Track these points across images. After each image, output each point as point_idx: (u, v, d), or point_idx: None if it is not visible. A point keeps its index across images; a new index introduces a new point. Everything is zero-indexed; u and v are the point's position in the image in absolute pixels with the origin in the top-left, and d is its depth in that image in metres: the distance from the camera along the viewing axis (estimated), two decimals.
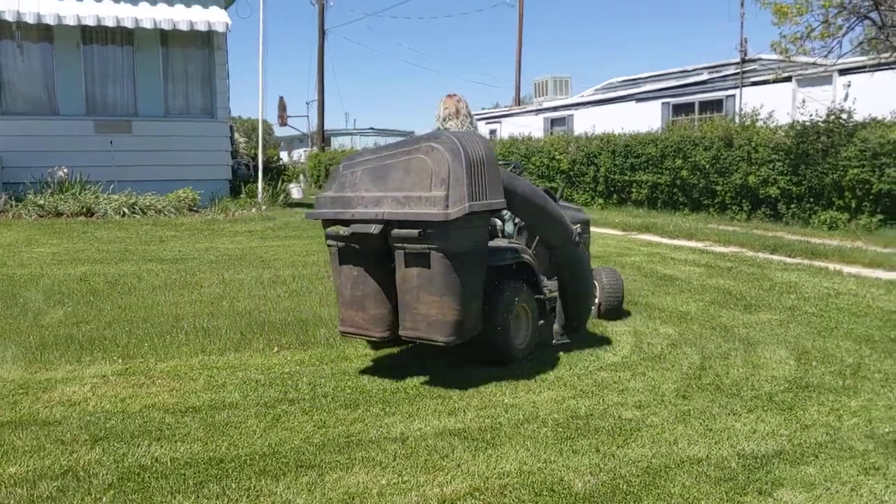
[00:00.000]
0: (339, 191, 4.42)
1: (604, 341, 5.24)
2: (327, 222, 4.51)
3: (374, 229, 4.21)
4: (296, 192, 18.28)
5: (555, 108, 25.29)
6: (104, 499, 2.91)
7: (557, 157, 17.38)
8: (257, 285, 7.04)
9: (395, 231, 4.20)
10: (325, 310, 6.02)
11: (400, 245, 4.23)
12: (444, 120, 5.34)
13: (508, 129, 25.04)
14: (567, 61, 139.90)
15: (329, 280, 7.26)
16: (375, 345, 5.00)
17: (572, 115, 24.11)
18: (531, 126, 23.61)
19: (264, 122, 17.70)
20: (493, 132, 27.08)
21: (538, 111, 26.00)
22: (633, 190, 15.62)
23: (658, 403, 4.03)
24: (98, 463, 3.22)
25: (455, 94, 5.50)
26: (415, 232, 4.14)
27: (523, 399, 4.07)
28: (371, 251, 4.36)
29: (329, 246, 4.52)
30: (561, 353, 4.92)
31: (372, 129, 42.81)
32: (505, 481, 3.11)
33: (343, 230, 4.35)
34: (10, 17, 12.54)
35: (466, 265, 4.23)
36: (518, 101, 32.19)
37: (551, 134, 21.96)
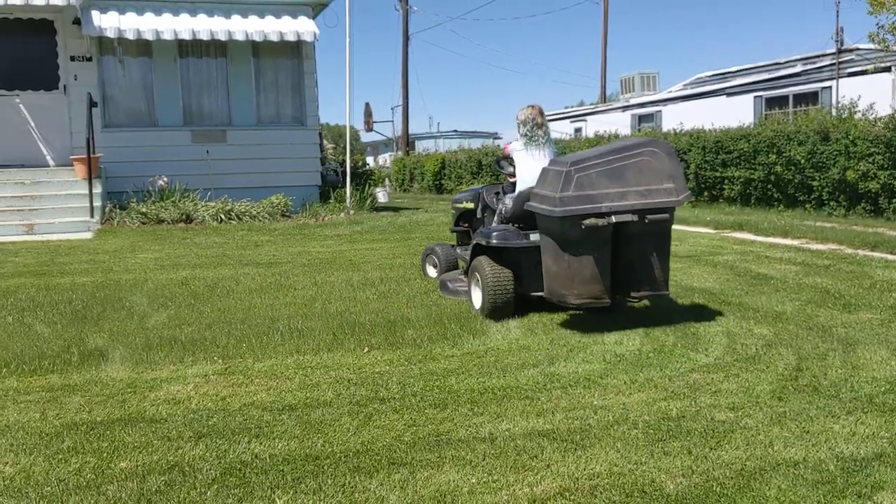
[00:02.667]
0: (580, 190, 5.20)
1: (695, 342, 5.15)
2: (574, 219, 5.18)
3: (633, 217, 5.23)
4: (382, 196, 18.58)
5: (642, 105, 24.88)
6: (209, 493, 3.06)
7: None
8: (347, 287, 7.21)
9: (651, 216, 5.28)
10: (413, 311, 6.12)
11: (643, 227, 5.29)
12: (534, 127, 6.34)
13: (594, 127, 24.76)
14: (654, 57, 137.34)
15: (414, 282, 7.36)
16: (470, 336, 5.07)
17: (660, 112, 23.65)
18: (618, 123, 23.28)
19: (351, 127, 18.05)
20: (578, 130, 26.84)
21: (625, 108, 25.62)
22: (725, 187, 15.21)
23: (752, 405, 3.94)
24: (202, 458, 3.38)
25: (536, 105, 6.43)
26: (666, 215, 5.35)
27: (613, 401, 4.05)
28: (608, 236, 5.31)
29: (570, 234, 5.23)
30: (651, 355, 4.87)
31: (455, 131, 43.04)
32: (595, 482, 3.11)
33: (599, 221, 5.17)
34: (111, 34, 13.17)
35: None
36: (604, 99, 31.82)
37: (639, 131, 21.60)
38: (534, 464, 3.29)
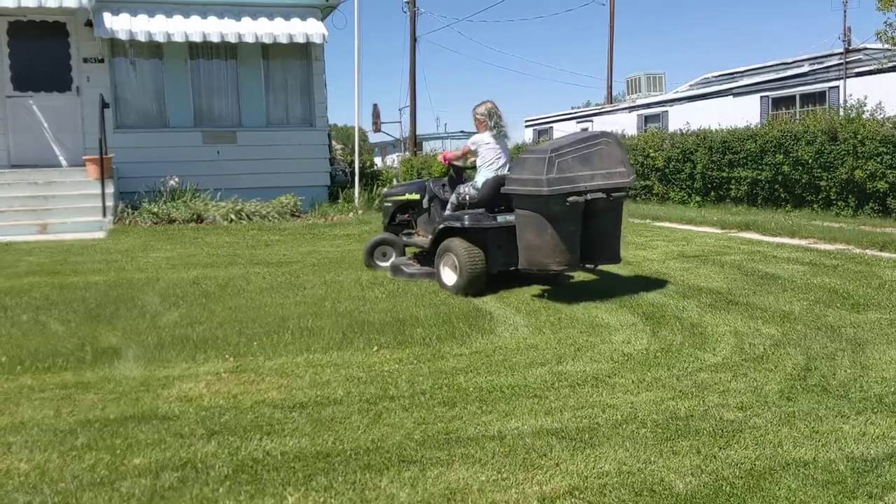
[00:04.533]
0: (561, 173, 6.09)
1: (703, 342, 5.16)
2: (559, 197, 6.05)
3: (602, 194, 6.22)
4: None
5: (648, 105, 24.86)
6: (221, 489, 3.08)
7: (652, 154, 17.08)
8: (356, 287, 7.24)
9: (615, 194, 6.32)
10: (421, 310, 6.14)
11: (607, 203, 6.28)
12: (499, 119, 7.15)
13: (600, 127, 24.72)
14: (660, 58, 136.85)
15: (423, 282, 7.37)
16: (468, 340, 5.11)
17: (667, 112, 23.64)
18: (624, 124, 23.27)
19: (359, 128, 18.09)
20: (584, 131, 26.83)
21: (631, 108, 25.61)
22: (732, 187, 15.19)
23: (761, 405, 3.95)
24: (214, 455, 3.41)
25: (491, 101, 7.23)
26: (624, 193, 6.45)
27: (621, 400, 4.07)
28: (581, 212, 6.19)
29: (554, 210, 6.08)
30: (659, 355, 4.88)
31: (462, 132, 43.01)
32: (604, 481, 3.13)
33: (579, 198, 6.10)
34: (123, 37, 13.26)
35: None
36: (610, 99, 31.76)
37: (645, 131, 21.58)
38: (543, 462, 3.31)
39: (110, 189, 12.63)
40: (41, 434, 3.67)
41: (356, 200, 15.30)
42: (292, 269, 8.35)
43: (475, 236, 6.83)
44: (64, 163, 13.86)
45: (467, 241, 6.77)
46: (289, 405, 4.04)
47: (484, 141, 7.11)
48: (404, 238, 8.12)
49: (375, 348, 5.12)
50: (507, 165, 7.05)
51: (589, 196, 6.12)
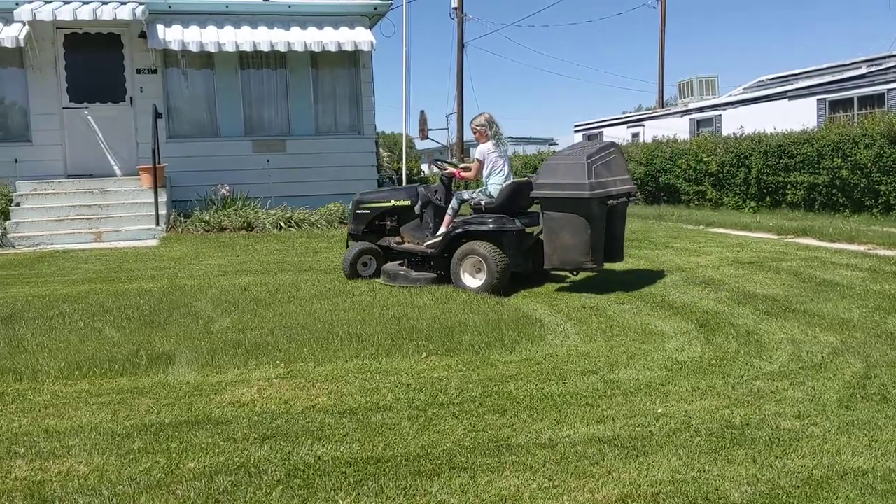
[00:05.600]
0: (597, 178, 6.66)
1: (759, 350, 5.05)
2: (600, 200, 6.68)
3: (624, 198, 7.03)
4: None
5: (701, 109, 24.47)
6: (274, 494, 3.12)
7: (705, 159, 16.83)
8: (404, 293, 7.26)
9: (631, 198, 7.14)
10: (470, 317, 6.13)
11: (622, 206, 7.08)
12: (498, 127, 7.56)
13: (652, 132, 24.46)
14: (713, 61, 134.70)
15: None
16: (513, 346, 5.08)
17: (720, 116, 23.25)
18: (676, 128, 22.96)
19: (406, 135, 18.17)
20: (635, 136, 26.55)
21: (683, 112, 25.25)
22: (788, 192, 14.88)
23: (819, 413, 3.86)
24: (267, 460, 3.45)
25: (487, 112, 7.67)
26: (634, 197, 7.29)
27: (674, 408, 4.01)
28: (606, 213, 6.77)
29: (594, 212, 6.63)
30: (714, 362, 4.79)
31: (510, 138, 42.62)
32: (657, 489, 3.08)
33: (613, 201, 6.81)
34: (175, 47, 13.54)
35: None
36: (662, 103, 31.46)
37: (698, 135, 21.26)
38: (595, 470, 3.27)
39: (163, 198, 12.89)
40: (99, 437, 3.76)
41: None
42: (341, 275, 8.40)
43: (494, 239, 7.12)
44: (118, 172, 14.20)
45: (490, 244, 7.03)
46: (339, 411, 4.07)
47: (489, 150, 7.48)
48: (394, 245, 8.02)
49: (424, 355, 5.13)
50: (512, 171, 7.68)
51: (618, 200, 6.86)
